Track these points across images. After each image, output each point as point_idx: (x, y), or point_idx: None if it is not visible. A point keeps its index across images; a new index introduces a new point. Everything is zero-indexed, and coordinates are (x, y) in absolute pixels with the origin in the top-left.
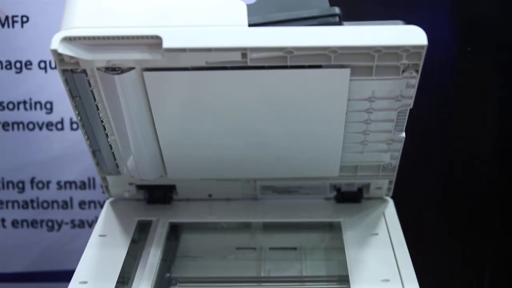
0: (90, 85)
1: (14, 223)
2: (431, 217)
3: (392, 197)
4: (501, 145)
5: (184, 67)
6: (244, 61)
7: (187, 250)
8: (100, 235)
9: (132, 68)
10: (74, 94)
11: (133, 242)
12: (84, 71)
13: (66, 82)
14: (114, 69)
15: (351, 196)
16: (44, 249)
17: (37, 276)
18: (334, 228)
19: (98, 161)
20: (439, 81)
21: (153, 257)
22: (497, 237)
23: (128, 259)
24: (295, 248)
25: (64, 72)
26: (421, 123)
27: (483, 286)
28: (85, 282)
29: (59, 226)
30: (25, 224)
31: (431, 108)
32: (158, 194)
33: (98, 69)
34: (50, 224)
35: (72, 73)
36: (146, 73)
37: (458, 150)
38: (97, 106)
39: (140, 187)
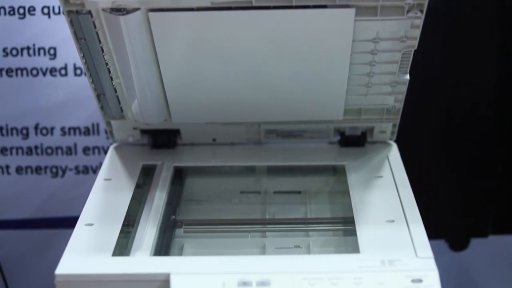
0: (95, 26)
1: (18, 170)
2: (433, 161)
3: (396, 142)
4: (504, 90)
5: (189, 8)
6: (249, 1)
7: (192, 194)
8: (105, 179)
9: (137, 9)
10: (79, 36)
11: (138, 186)
12: (89, 12)
13: (71, 23)
14: (119, 10)
15: (355, 140)
16: (48, 195)
17: (42, 223)
18: (338, 172)
19: (103, 105)
20: (443, 26)
21: (158, 200)
22: (499, 181)
23: (133, 202)
24: (299, 192)
25: (69, 13)
26: (424, 67)
27: (487, 229)
28: (91, 224)
29: (63, 172)
30: (29, 170)
31: (434, 53)
32: (163, 139)
33: (103, 10)
34: (54, 170)
35: (77, 15)
36: (151, 14)
37: (461, 95)
38: (102, 48)
39: (144, 131)
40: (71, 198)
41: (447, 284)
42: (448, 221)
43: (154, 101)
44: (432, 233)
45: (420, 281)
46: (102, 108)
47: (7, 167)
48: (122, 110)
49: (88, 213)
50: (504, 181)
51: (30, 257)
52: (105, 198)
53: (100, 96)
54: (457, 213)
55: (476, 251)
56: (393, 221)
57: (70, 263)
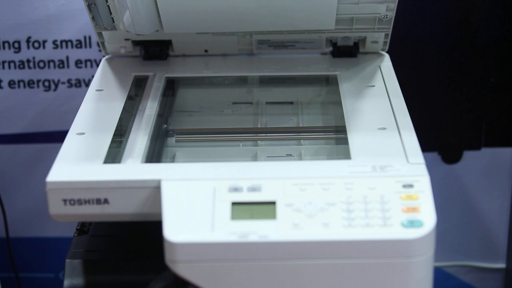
0: None
1: (11, 84)
2: (427, 74)
3: (388, 53)
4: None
5: None
6: None
7: (184, 105)
8: (97, 90)
9: None
10: None
11: (130, 97)
12: None
13: None
14: None
15: (347, 50)
16: (41, 109)
17: (34, 137)
18: (330, 82)
19: (94, 15)
20: None
21: (149, 109)
22: (492, 93)
23: (124, 112)
24: (291, 102)
25: None
26: None
27: (479, 142)
28: (82, 134)
29: (56, 85)
30: (21, 84)
31: None
32: (154, 50)
33: None
34: (46, 84)
35: None
36: None
37: (455, 7)
38: None
39: (136, 43)
40: (64, 112)
41: (440, 196)
42: (441, 133)
43: (145, 11)
44: (425, 146)
45: (411, 186)
46: (93, 18)
47: (0, 81)
48: (113, 21)
49: (79, 123)
50: (497, 94)
51: (23, 171)
52: (96, 108)
53: (91, 6)
54: (450, 126)
55: (469, 164)
56: (384, 128)
57: (61, 171)
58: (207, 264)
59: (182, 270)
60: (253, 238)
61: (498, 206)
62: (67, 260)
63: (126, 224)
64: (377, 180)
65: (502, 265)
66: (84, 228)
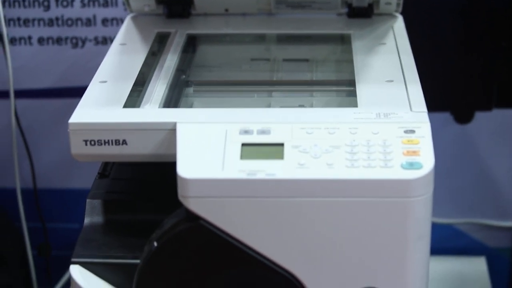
0: None
1: (40, 41)
2: (439, 35)
3: (402, 14)
4: None
5: None
6: None
7: (203, 60)
8: (121, 44)
9: None
10: None
11: (152, 51)
12: None
13: None
14: None
15: (362, 11)
16: (68, 65)
17: (62, 92)
18: (344, 41)
19: None
20: None
21: (169, 62)
22: (504, 55)
23: (146, 64)
24: (307, 60)
25: None
26: None
27: (491, 103)
28: (104, 81)
29: (83, 43)
30: (50, 41)
31: None
32: (177, 8)
33: None
34: (74, 41)
35: None
36: None
37: None
38: None
39: (159, 1)
40: (90, 68)
41: (452, 155)
42: (453, 94)
43: None
44: (438, 106)
45: (412, 131)
46: None
47: (29, 38)
48: None
49: (102, 72)
50: (508, 56)
51: (51, 125)
52: (119, 60)
53: None
54: (462, 86)
55: (480, 124)
56: (392, 81)
57: (83, 113)
58: (216, 200)
59: (193, 205)
60: (261, 175)
61: (508, 165)
62: (88, 200)
63: (144, 169)
64: (380, 125)
65: (511, 223)
66: (105, 172)
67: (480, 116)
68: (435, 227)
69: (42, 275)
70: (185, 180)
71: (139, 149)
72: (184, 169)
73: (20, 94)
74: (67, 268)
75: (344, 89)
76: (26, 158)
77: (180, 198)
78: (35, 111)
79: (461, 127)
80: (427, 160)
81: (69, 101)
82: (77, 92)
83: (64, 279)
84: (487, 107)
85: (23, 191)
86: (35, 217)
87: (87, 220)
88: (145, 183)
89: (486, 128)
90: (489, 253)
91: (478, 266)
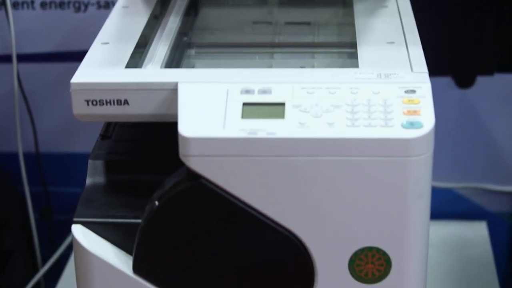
0: None
1: (43, 5)
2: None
3: None
4: None
5: None
6: None
7: (206, 23)
8: (123, 7)
9: None
10: None
11: (154, 14)
12: None
13: None
14: None
15: None
16: (71, 29)
17: (64, 56)
18: (346, 4)
19: None
20: None
21: (172, 24)
22: (506, 19)
23: (148, 26)
24: (309, 23)
25: None
26: None
27: (492, 67)
28: (106, 43)
29: (86, 7)
30: (53, 5)
31: None
32: None
33: None
34: (77, 5)
35: None
36: None
37: None
38: None
39: None
40: (93, 32)
41: (453, 119)
42: (455, 58)
43: None
44: (439, 70)
45: (413, 91)
46: None
47: (32, 2)
48: None
49: (104, 34)
50: (511, 20)
51: (53, 89)
52: (121, 22)
53: None
54: (463, 51)
55: (482, 89)
56: (393, 42)
57: (84, 74)
58: (217, 159)
59: (194, 164)
60: (261, 134)
61: (510, 130)
62: (90, 161)
63: (146, 130)
64: (381, 85)
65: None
66: (107, 134)
67: (481, 81)
68: (436, 192)
69: (44, 238)
70: (186, 139)
71: (141, 109)
72: (186, 128)
73: (23, 58)
74: (69, 231)
75: (345, 51)
76: (29, 123)
77: (181, 157)
78: (37, 75)
79: (462, 92)
80: (427, 120)
81: (71, 65)
82: (80, 56)
83: (66, 243)
84: (488, 71)
85: (26, 155)
86: (38, 181)
87: (89, 181)
88: (147, 144)
89: (487, 93)
90: (490, 217)
91: (479, 230)
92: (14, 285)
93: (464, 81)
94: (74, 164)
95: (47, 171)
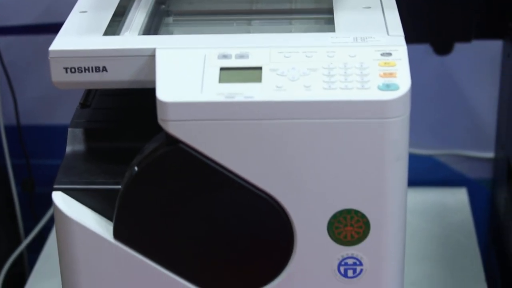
0: None
1: None
2: None
3: None
4: None
5: None
6: None
7: None
8: None
9: None
10: None
11: None
12: None
13: None
14: None
15: None
16: (51, 1)
17: (45, 28)
18: None
19: None
20: None
21: None
22: None
23: None
24: None
25: None
26: None
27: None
28: (84, 12)
29: None
30: None
31: None
32: None
33: None
34: None
35: None
36: None
37: None
38: None
39: None
40: (73, 3)
41: (432, 86)
42: (433, 25)
43: None
44: (417, 37)
45: (389, 54)
46: None
47: None
48: None
49: (82, 3)
50: None
51: (34, 61)
52: None
53: None
54: (441, 17)
55: (460, 55)
56: (369, 7)
57: (63, 41)
58: (196, 123)
59: (173, 128)
60: (239, 98)
61: (488, 96)
62: (69, 129)
63: (125, 99)
64: (357, 49)
65: (491, 154)
66: (86, 102)
67: (459, 47)
68: (416, 159)
69: (26, 211)
70: (164, 103)
71: (119, 75)
72: (164, 93)
73: (3, 31)
74: (51, 203)
75: (322, 17)
76: (9, 95)
77: (160, 122)
78: (18, 48)
79: (440, 59)
80: (403, 82)
81: (51, 37)
82: (59, 28)
83: (48, 214)
84: (466, 38)
85: (7, 128)
86: (19, 154)
87: (68, 149)
88: (126, 112)
89: (465, 60)
90: (470, 184)
91: (459, 197)
92: None
93: (442, 48)
94: (55, 136)
95: (28, 143)
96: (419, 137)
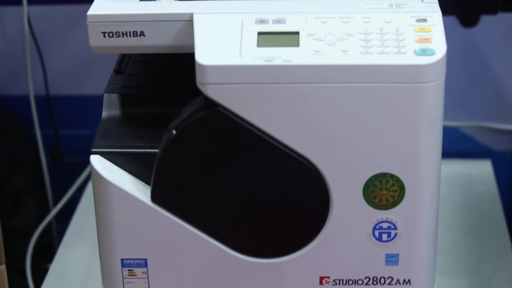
0: None
1: None
2: None
3: None
4: None
5: None
6: None
7: None
8: None
9: None
10: None
11: None
12: None
13: None
14: None
15: None
16: None
17: None
18: None
19: None
20: None
21: None
22: None
23: None
24: None
25: None
26: None
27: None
28: None
29: None
30: None
31: None
32: None
33: None
34: None
35: None
36: None
37: None
38: None
39: None
40: None
41: (458, 58)
42: None
43: None
44: (444, 9)
45: (424, 20)
46: None
47: None
48: None
49: None
50: None
51: (63, 31)
52: None
53: None
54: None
55: (486, 28)
56: None
57: (101, 6)
58: (234, 86)
59: (212, 92)
60: (277, 62)
61: None
62: (105, 95)
63: (159, 65)
64: (393, 15)
65: None
66: (120, 69)
67: (485, 20)
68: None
69: (55, 180)
70: (204, 67)
71: (157, 40)
72: (203, 57)
73: (33, 0)
74: (79, 173)
75: None
76: (39, 65)
77: (199, 85)
78: (47, 18)
79: (467, 31)
80: (439, 47)
81: (82, 7)
82: None
83: (77, 184)
84: (492, 10)
85: (36, 98)
86: (48, 124)
87: (104, 114)
88: (159, 79)
89: (492, 32)
90: (494, 156)
91: (484, 168)
92: (26, 226)
93: (469, 20)
94: (84, 106)
95: (57, 114)
96: (445, 109)
